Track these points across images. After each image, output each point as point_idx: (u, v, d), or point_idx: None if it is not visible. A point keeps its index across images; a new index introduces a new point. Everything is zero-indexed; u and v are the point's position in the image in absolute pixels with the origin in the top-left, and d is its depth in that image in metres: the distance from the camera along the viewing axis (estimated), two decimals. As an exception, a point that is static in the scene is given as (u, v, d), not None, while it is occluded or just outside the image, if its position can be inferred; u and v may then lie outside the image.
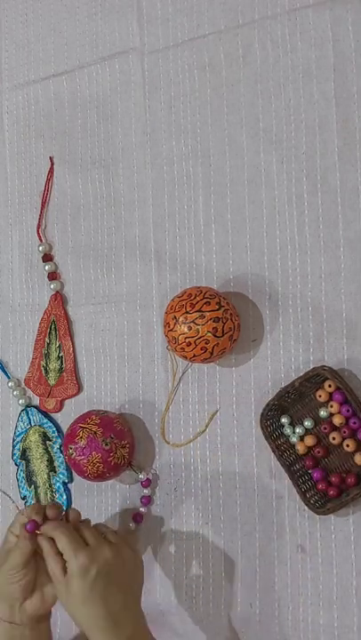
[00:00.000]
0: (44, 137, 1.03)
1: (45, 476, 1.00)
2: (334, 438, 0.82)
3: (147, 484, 0.93)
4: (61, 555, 0.79)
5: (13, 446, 1.03)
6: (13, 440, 1.03)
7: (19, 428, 1.03)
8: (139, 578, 0.84)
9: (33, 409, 1.02)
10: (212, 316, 0.81)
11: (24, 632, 0.81)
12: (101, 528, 0.85)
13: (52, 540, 0.80)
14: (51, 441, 1.00)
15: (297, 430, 0.84)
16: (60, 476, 0.99)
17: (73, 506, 0.98)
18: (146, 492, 0.93)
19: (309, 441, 0.83)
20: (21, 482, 1.02)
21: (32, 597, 0.82)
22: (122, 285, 0.96)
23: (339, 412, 0.81)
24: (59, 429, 1.00)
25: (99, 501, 0.96)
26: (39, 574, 0.82)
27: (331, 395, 0.82)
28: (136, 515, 0.93)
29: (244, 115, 0.89)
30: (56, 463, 1.00)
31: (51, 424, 1.00)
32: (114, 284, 0.97)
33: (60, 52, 1.02)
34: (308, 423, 0.84)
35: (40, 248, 1.02)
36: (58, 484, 0.99)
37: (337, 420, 0.81)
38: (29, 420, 1.02)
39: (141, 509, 0.93)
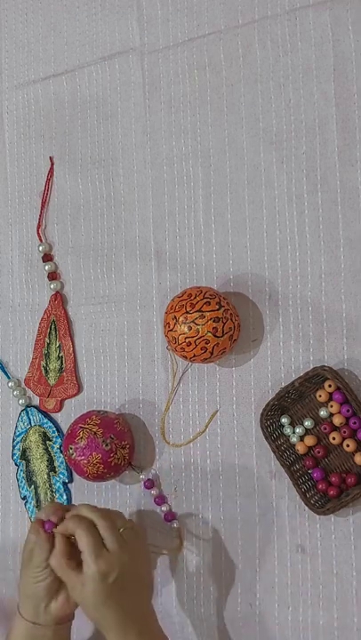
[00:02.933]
0: (43, 137, 1.03)
1: (45, 476, 1.00)
2: (334, 438, 0.82)
3: (149, 485, 0.93)
4: (73, 554, 0.79)
5: (13, 446, 1.03)
6: (13, 440, 1.03)
7: (19, 428, 1.03)
8: (150, 575, 0.84)
9: (33, 409, 1.02)
10: (212, 316, 0.81)
11: (46, 633, 0.82)
12: (119, 522, 0.83)
13: (65, 539, 0.80)
14: (51, 441, 1.00)
15: (297, 430, 0.84)
16: (60, 475, 0.99)
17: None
18: (153, 492, 0.93)
19: (309, 441, 0.83)
20: (21, 482, 1.02)
21: (57, 598, 0.82)
22: (122, 285, 0.96)
23: (339, 412, 0.81)
24: (59, 429, 1.00)
25: (99, 501, 0.96)
26: None
27: (331, 395, 0.82)
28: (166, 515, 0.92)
29: (244, 115, 0.89)
30: (56, 463, 1.00)
31: (51, 424, 1.00)
32: (114, 284, 0.97)
33: (60, 52, 1.02)
34: (308, 423, 0.84)
35: (40, 248, 1.02)
36: (58, 484, 0.99)
37: (337, 420, 0.81)
38: (29, 419, 1.02)
39: (163, 509, 0.92)
